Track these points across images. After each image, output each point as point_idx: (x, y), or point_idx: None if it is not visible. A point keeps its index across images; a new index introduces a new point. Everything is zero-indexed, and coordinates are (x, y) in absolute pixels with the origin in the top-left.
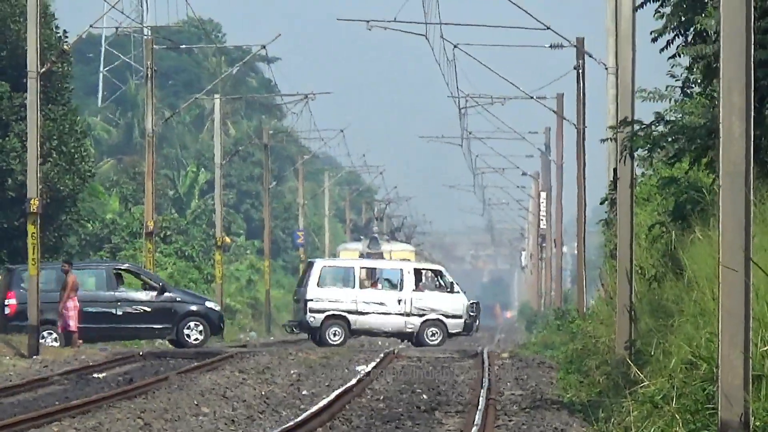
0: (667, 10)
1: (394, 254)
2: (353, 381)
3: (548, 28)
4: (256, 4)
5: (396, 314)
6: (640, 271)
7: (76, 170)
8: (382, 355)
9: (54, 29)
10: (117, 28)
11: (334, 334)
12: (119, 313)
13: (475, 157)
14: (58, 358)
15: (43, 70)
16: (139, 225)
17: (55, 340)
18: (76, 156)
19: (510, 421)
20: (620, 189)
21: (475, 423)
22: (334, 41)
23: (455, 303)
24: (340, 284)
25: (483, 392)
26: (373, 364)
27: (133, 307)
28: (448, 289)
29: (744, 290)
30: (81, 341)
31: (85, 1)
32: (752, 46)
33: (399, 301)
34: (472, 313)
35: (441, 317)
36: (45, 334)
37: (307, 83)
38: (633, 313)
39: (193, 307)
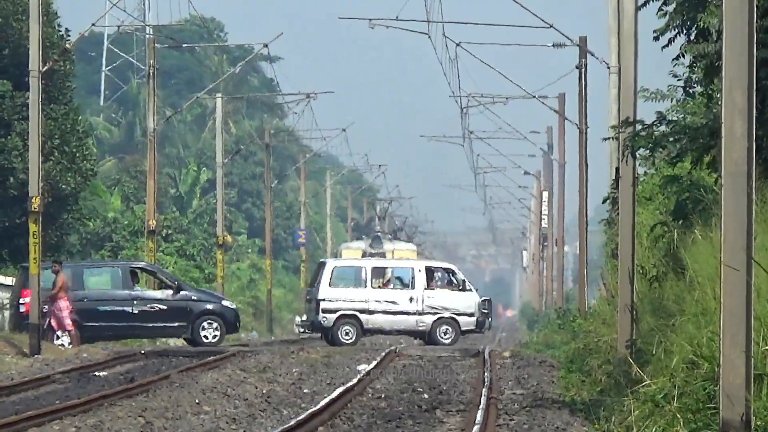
0: (670, 8)
1: (396, 254)
2: (354, 380)
3: (551, 27)
4: (257, 3)
5: (408, 313)
6: (641, 271)
7: (78, 169)
8: (383, 354)
9: (56, 28)
10: (119, 26)
11: (347, 334)
12: (135, 311)
13: (476, 156)
14: (59, 356)
15: (45, 68)
16: (140, 224)
17: (70, 342)
18: (77, 155)
19: (511, 420)
20: (622, 188)
21: (476, 422)
22: (336, 40)
23: (467, 301)
24: (351, 284)
25: (484, 391)
26: (375, 363)
27: (149, 305)
28: (460, 287)
29: (745, 289)
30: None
31: (87, 0)
32: (754, 46)
33: (411, 300)
34: (484, 311)
35: (453, 315)
36: (59, 333)
37: (308, 82)
38: (634, 312)
39: (209, 306)
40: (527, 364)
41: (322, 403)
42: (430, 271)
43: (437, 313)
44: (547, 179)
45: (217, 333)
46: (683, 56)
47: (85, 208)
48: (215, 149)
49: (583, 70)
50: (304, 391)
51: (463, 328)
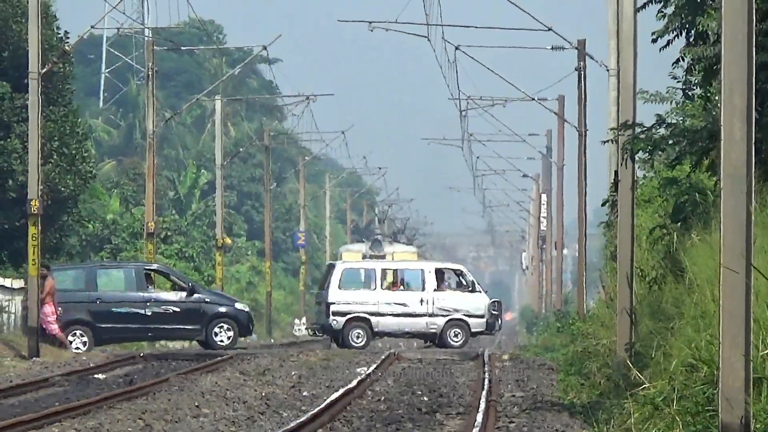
0: (670, 10)
1: (396, 256)
2: (354, 382)
3: (550, 30)
4: (257, 6)
5: (418, 315)
6: (640, 273)
7: (77, 171)
8: (382, 357)
9: (55, 30)
10: (118, 29)
11: (357, 337)
12: (149, 313)
13: (475, 158)
14: (58, 359)
15: (45, 70)
16: (139, 226)
17: (84, 343)
18: (77, 157)
19: (510, 422)
20: (621, 191)
21: (475, 425)
22: (335, 42)
23: (477, 302)
24: (361, 286)
25: (483, 394)
26: (374, 365)
27: (163, 307)
28: (470, 289)
29: (745, 292)
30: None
31: (86, 2)
32: (754, 49)
33: (421, 302)
34: (494, 312)
35: (464, 317)
36: (77, 333)
37: (307, 84)
38: (633, 315)
39: (223, 309)
40: (526, 367)
41: (322, 405)
42: (439, 273)
43: (447, 315)
44: (546, 182)
45: (231, 336)
46: (682, 59)
47: (84, 210)
48: (214, 151)
49: (582, 72)
50: (304, 393)
51: (473, 330)
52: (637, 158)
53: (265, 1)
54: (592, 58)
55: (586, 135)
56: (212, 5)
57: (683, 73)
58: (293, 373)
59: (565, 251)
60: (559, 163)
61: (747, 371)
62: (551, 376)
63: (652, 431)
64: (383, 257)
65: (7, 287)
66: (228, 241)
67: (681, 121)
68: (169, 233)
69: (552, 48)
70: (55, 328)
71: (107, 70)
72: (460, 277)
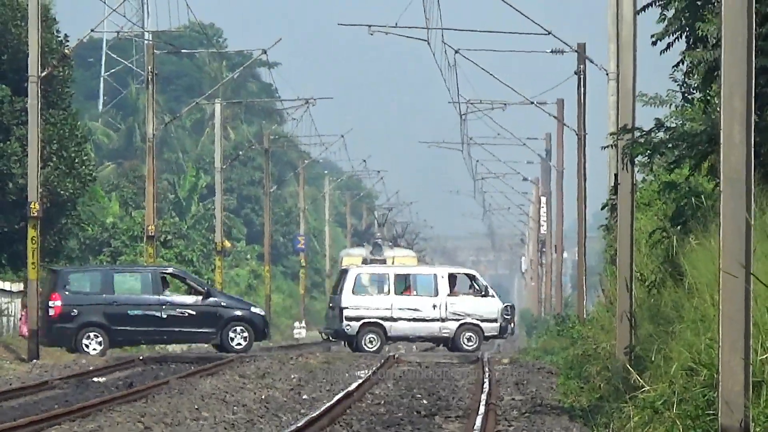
0: (670, 13)
1: (396, 260)
2: (354, 386)
3: (549, 33)
4: (256, 9)
5: (431, 320)
6: (640, 277)
7: (77, 174)
8: (382, 360)
9: (55, 33)
10: (118, 32)
11: (370, 341)
12: (164, 316)
13: (475, 162)
14: (58, 362)
15: (44, 74)
16: (139, 229)
17: (99, 343)
18: (76, 160)
19: (510, 426)
20: (621, 195)
21: (475, 428)
22: (335, 46)
23: (490, 307)
24: (374, 291)
25: (483, 397)
26: (374, 368)
27: (178, 310)
28: (483, 293)
29: (744, 296)
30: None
31: (86, 5)
32: (753, 53)
33: (434, 307)
34: (506, 316)
35: (476, 321)
36: (92, 335)
37: (307, 88)
38: (633, 318)
39: (238, 312)
40: (526, 371)
41: (322, 408)
42: (452, 278)
43: (460, 320)
44: (545, 185)
45: (246, 339)
46: (682, 63)
47: (83, 213)
48: (214, 155)
49: (581, 76)
50: (303, 396)
51: (486, 334)
52: (636, 161)
53: (264, 5)
54: (591, 61)
55: (585, 138)
56: (212, 9)
57: (683, 76)
58: (293, 376)
59: (564, 255)
60: (559, 167)
61: (746, 375)
62: (551, 380)
63: None
64: (383, 261)
65: (6, 290)
66: (228, 244)
67: (680, 125)
68: (168, 236)
69: (552, 51)
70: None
71: (107, 74)
72: (473, 282)
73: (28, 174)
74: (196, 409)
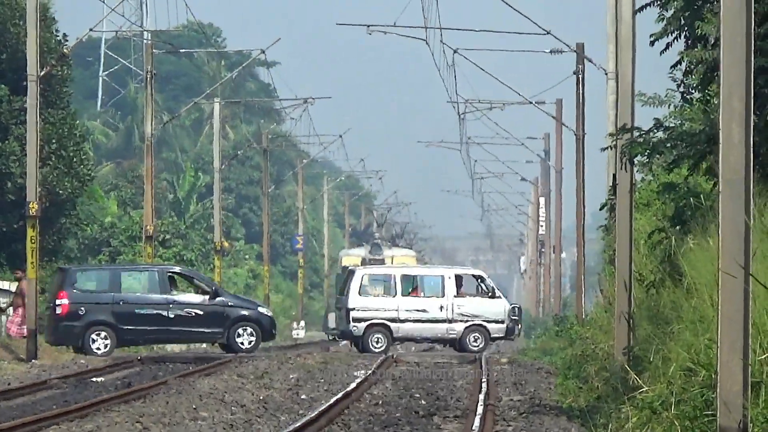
0: (669, 13)
1: (395, 260)
2: (352, 386)
3: (548, 33)
4: (255, 9)
5: (438, 321)
6: (638, 277)
7: (75, 174)
8: (380, 360)
9: (54, 32)
10: (117, 31)
11: (377, 342)
12: (171, 315)
13: (474, 162)
14: (56, 362)
15: (43, 73)
16: (138, 229)
17: (107, 342)
18: (75, 159)
19: (508, 426)
20: (619, 195)
21: (473, 428)
22: (334, 46)
23: (497, 308)
24: (381, 292)
25: (481, 397)
26: (372, 369)
27: (186, 310)
28: (489, 294)
29: (743, 296)
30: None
31: (85, 5)
32: (752, 52)
33: (441, 308)
34: (513, 317)
35: (483, 322)
36: (99, 334)
37: (306, 87)
38: (632, 319)
39: (245, 312)
40: (525, 371)
41: (320, 409)
42: (459, 279)
43: (467, 321)
44: (544, 185)
45: (253, 339)
46: (681, 63)
47: (82, 213)
48: (213, 154)
49: (580, 76)
50: (302, 397)
51: (493, 335)
52: (636, 161)
53: (263, 5)
54: (590, 61)
55: (584, 138)
56: (211, 8)
57: (682, 76)
58: (291, 376)
59: (563, 255)
60: (558, 167)
61: (745, 375)
62: (549, 380)
63: None
64: (383, 261)
65: (5, 290)
66: (226, 244)
67: (679, 125)
68: (167, 236)
69: (550, 51)
70: (14, 330)
71: (105, 73)
72: (480, 283)
73: (27, 173)
74: (195, 409)
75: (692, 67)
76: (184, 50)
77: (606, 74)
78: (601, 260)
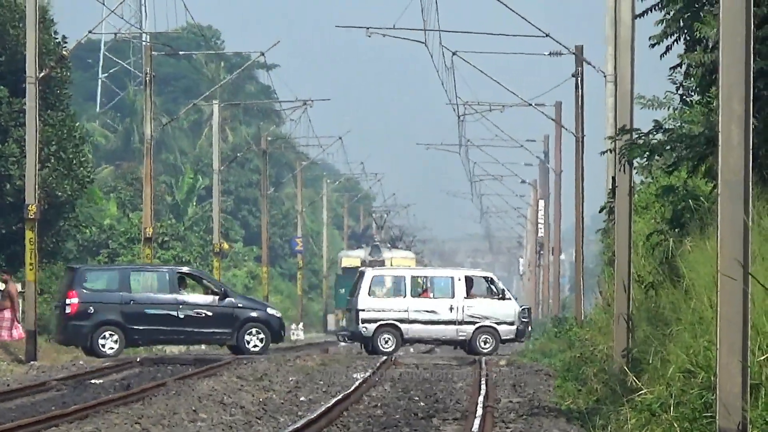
0: (667, 15)
1: (394, 261)
2: (351, 388)
3: (547, 36)
4: (255, 11)
5: (448, 322)
6: (637, 279)
7: (75, 176)
8: (380, 362)
9: (53, 34)
10: (116, 34)
11: (386, 342)
12: (181, 316)
13: (473, 164)
14: (55, 363)
15: (42, 75)
16: (137, 231)
17: (116, 342)
18: (74, 161)
19: (507, 428)
20: (618, 197)
21: (472, 430)
22: (333, 48)
23: (507, 309)
24: (391, 293)
25: (480, 399)
26: (371, 370)
27: (195, 311)
28: (499, 296)
29: (742, 298)
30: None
31: (84, 7)
32: (752, 55)
33: (451, 309)
34: (524, 319)
35: (493, 324)
36: (108, 334)
37: (305, 89)
38: (631, 321)
39: (254, 314)
40: (523, 373)
41: (319, 410)
42: (469, 280)
43: (477, 323)
44: (543, 187)
45: (262, 341)
46: (681, 65)
47: (81, 215)
48: (212, 156)
49: (579, 78)
50: (301, 398)
51: (503, 337)
52: (635, 163)
53: (263, 7)
54: (589, 64)
55: (583, 141)
56: (210, 10)
57: (681, 78)
58: (290, 378)
59: (562, 257)
60: (557, 169)
61: (744, 377)
62: (548, 382)
63: None
64: (382, 263)
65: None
66: (225, 246)
67: (678, 127)
68: (166, 238)
69: (549, 54)
70: (4, 334)
71: (105, 75)
72: (490, 285)
73: (26, 175)
74: (194, 410)
75: (692, 69)
76: (183, 52)
77: (605, 77)
78: (600, 262)
